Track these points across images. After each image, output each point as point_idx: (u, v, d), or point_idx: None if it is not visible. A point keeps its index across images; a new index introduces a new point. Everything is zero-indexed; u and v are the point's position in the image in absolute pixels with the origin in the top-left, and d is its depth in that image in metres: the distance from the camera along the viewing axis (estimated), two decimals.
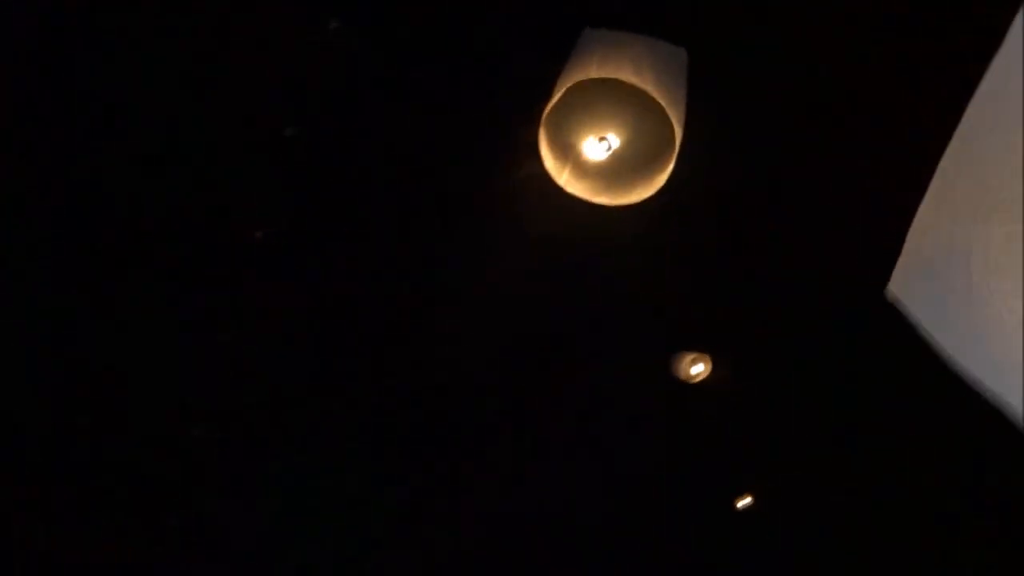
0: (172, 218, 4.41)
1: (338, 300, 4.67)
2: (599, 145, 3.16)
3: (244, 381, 5.00)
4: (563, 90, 2.92)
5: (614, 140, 3.12)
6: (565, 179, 3.11)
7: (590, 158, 3.18)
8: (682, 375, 4.67)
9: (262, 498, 5.41)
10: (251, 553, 5.54)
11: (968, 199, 1.97)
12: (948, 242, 2.01)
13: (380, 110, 3.86)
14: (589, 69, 2.85)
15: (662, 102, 2.83)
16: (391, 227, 4.35)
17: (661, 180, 3.12)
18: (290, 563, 5.61)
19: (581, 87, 2.93)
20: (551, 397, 5.05)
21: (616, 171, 3.15)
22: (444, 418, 5.14)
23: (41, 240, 4.40)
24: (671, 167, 3.08)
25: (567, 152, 3.12)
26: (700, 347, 4.67)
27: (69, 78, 3.89)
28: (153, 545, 5.32)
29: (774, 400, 4.97)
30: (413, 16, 3.47)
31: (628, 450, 5.25)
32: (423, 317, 4.66)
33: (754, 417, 5.07)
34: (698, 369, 4.67)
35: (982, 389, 1.97)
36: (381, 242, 4.46)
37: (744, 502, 5.35)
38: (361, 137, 4.02)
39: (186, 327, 4.79)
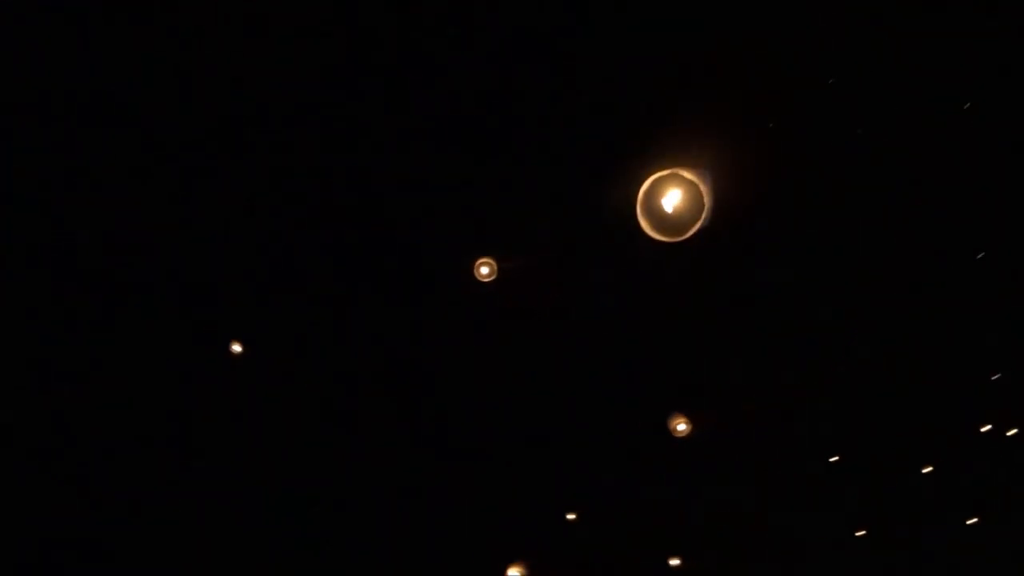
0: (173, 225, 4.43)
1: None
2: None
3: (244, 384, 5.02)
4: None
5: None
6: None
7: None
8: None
9: (258, 498, 5.42)
10: (250, 553, 5.54)
11: None
12: None
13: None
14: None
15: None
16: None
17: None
18: (290, 564, 5.62)
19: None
20: None
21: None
22: None
23: (40, 240, 4.42)
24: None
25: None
26: None
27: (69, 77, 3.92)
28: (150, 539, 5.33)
29: None
30: None
31: None
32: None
33: None
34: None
35: None
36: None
37: None
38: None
39: (185, 331, 4.81)
